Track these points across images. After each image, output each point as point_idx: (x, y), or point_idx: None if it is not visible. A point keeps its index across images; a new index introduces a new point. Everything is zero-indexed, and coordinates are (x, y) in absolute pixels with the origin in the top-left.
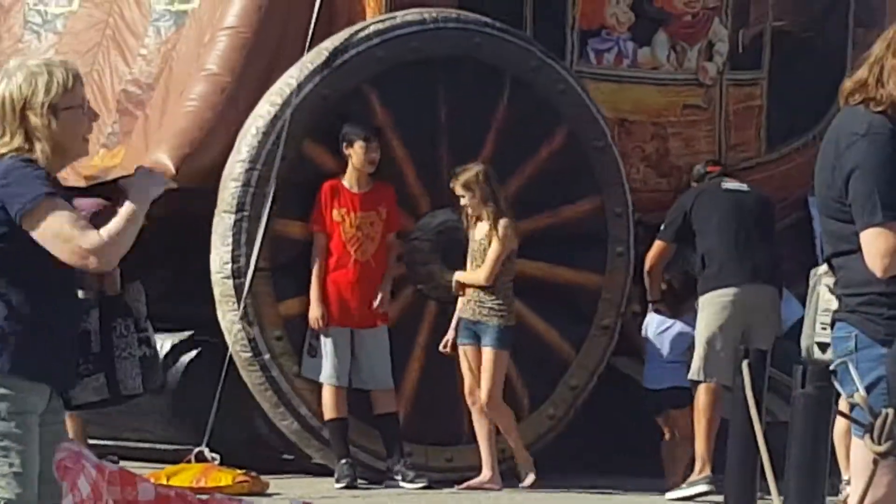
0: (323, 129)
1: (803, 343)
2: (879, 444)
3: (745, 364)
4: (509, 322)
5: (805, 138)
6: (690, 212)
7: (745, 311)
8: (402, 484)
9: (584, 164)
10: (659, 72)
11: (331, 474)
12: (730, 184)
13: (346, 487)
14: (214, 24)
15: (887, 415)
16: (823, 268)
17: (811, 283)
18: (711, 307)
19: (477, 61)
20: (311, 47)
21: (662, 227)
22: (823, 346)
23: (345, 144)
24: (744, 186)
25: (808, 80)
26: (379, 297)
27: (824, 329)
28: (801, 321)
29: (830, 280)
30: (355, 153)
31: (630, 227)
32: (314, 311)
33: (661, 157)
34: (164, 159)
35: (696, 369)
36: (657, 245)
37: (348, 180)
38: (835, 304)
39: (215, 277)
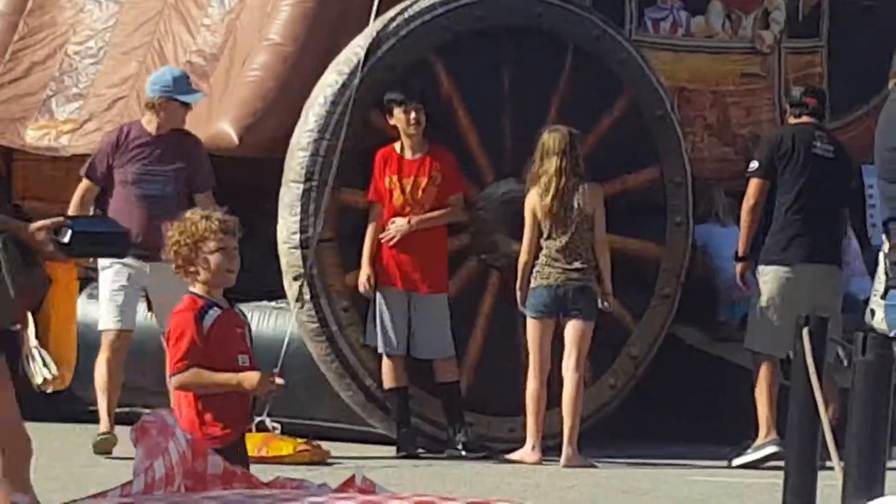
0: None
1: (868, 310)
2: None
3: (805, 331)
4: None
5: (866, 107)
6: (778, 158)
7: (808, 291)
8: (462, 454)
9: (645, 133)
10: (713, 40)
11: (393, 443)
12: (820, 145)
13: (407, 456)
14: None
15: None
16: None
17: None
18: (774, 282)
19: (539, 31)
20: (377, 16)
21: (755, 166)
22: (874, 312)
23: (387, 114)
24: (830, 151)
25: (868, 49)
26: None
27: (875, 296)
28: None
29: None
30: (397, 119)
31: (689, 196)
32: (362, 275)
33: (723, 126)
34: (227, 129)
35: (753, 340)
36: (754, 183)
37: (400, 147)
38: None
39: (282, 247)
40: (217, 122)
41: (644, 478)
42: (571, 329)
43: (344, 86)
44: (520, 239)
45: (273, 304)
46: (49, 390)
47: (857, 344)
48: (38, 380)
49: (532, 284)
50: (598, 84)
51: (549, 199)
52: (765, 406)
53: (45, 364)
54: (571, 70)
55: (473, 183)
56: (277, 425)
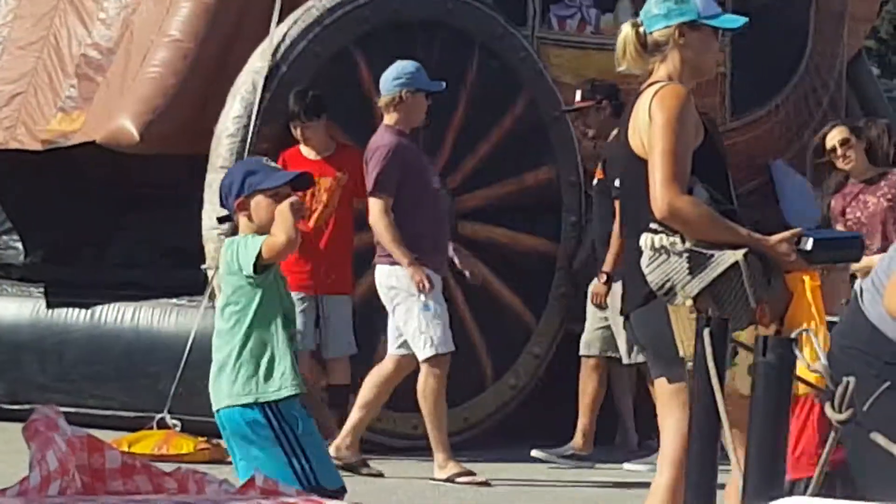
0: (318, 86)
1: None
2: (840, 412)
3: (706, 332)
4: None
5: (768, 106)
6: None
7: None
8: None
9: (542, 133)
10: None
11: None
12: None
13: None
14: None
15: (848, 383)
16: None
17: None
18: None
19: (448, 26)
20: (282, 13)
21: (617, 184)
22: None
23: None
24: None
25: (771, 49)
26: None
27: None
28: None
29: None
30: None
31: (582, 197)
32: None
33: None
34: (127, 125)
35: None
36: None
37: (305, 148)
38: None
39: (208, 234)
40: (117, 118)
41: (543, 477)
42: None
43: (271, 73)
44: None
45: (174, 300)
46: None
47: (757, 345)
48: None
49: None
50: (502, 82)
51: None
52: (586, 413)
53: None
54: (478, 67)
55: None
56: (178, 422)
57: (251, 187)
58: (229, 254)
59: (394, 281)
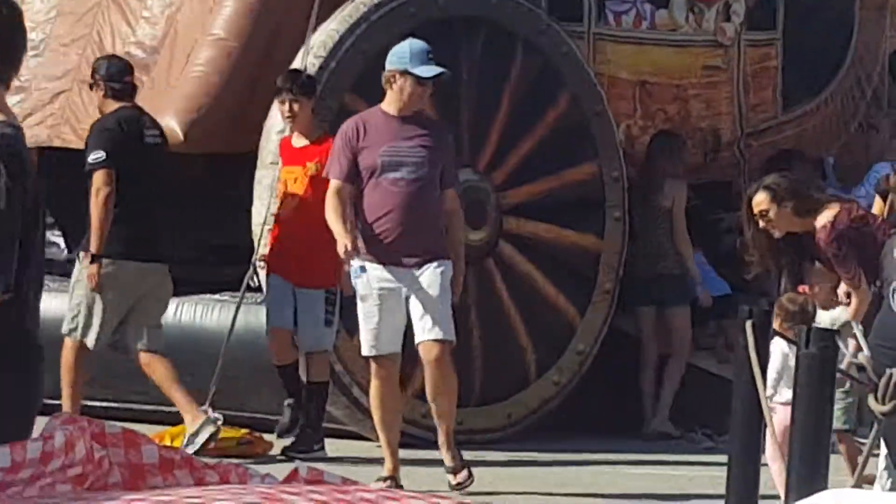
0: (364, 82)
1: None
2: (883, 403)
3: (748, 324)
4: None
5: (818, 99)
6: None
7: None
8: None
9: (585, 128)
10: (677, 33)
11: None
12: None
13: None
14: None
15: (892, 375)
16: None
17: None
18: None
19: (493, 23)
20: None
21: None
22: None
23: None
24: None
25: (819, 42)
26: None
27: None
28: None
29: None
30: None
31: (625, 191)
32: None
33: (684, 120)
34: (171, 124)
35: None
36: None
37: (291, 134)
38: None
39: (258, 230)
40: (161, 117)
41: (584, 472)
42: None
43: (321, 69)
44: (475, 228)
45: (217, 296)
46: None
47: (801, 337)
48: None
49: None
50: (544, 77)
51: None
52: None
53: None
54: (521, 62)
55: None
56: (220, 416)
57: None
58: None
59: None
